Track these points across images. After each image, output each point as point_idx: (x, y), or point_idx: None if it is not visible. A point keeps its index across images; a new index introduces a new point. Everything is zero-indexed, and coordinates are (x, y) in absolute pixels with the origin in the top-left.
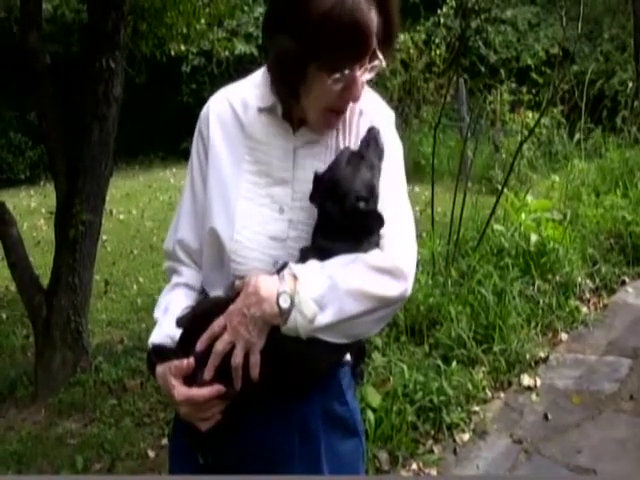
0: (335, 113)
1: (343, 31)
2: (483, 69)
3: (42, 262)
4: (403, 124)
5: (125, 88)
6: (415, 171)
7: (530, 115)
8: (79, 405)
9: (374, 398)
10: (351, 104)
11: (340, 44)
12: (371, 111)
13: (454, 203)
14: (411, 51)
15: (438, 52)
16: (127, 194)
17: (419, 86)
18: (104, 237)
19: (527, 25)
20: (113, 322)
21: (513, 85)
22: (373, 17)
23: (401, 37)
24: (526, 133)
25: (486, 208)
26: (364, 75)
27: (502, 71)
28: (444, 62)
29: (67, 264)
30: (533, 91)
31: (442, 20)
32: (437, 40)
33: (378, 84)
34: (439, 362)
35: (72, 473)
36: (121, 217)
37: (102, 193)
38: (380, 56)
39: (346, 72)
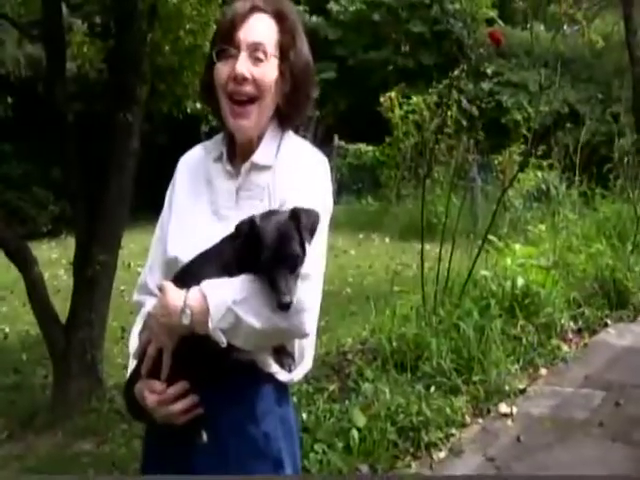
0: (234, 103)
1: (222, 20)
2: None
3: (62, 308)
4: (416, 183)
5: (146, 147)
6: (427, 230)
7: (532, 174)
8: (93, 429)
9: (359, 419)
10: (283, 159)
11: (220, 29)
12: (296, 160)
13: (441, 251)
14: (424, 113)
15: (450, 113)
16: (146, 248)
17: (431, 147)
18: (122, 287)
19: (538, 87)
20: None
21: (522, 146)
22: (257, 22)
23: (414, 99)
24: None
25: (483, 261)
26: (248, 61)
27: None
28: (456, 123)
29: (84, 301)
30: (540, 152)
31: (454, 83)
32: (449, 102)
33: (392, 145)
34: (421, 388)
35: None
36: (139, 269)
37: (118, 237)
38: (270, 54)
39: (225, 47)
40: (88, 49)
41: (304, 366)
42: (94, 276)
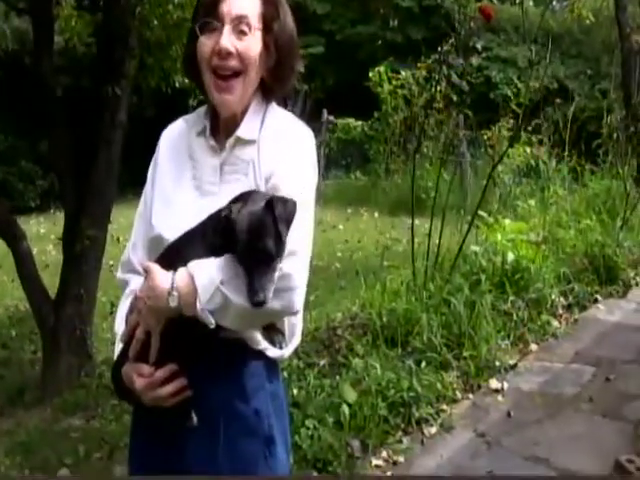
0: (218, 77)
1: None
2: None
3: (51, 283)
4: (405, 158)
5: (134, 121)
6: (417, 205)
7: (521, 149)
8: (82, 404)
9: (350, 394)
10: (268, 132)
11: (203, 2)
12: (281, 133)
13: (431, 226)
14: (413, 87)
15: (439, 88)
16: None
17: (420, 122)
18: (111, 262)
19: (527, 63)
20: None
21: (511, 121)
22: None
23: (402, 74)
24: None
25: (473, 236)
26: (232, 35)
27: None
28: (444, 98)
29: (73, 276)
30: (530, 128)
31: (443, 57)
32: (437, 77)
33: (381, 120)
34: (411, 364)
35: (74, 461)
36: (127, 244)
37: (107, 211)
38: (254, 27)
39: (208, 20)
40: (76, 23)
41: (294, 342)
42: (83, 251)
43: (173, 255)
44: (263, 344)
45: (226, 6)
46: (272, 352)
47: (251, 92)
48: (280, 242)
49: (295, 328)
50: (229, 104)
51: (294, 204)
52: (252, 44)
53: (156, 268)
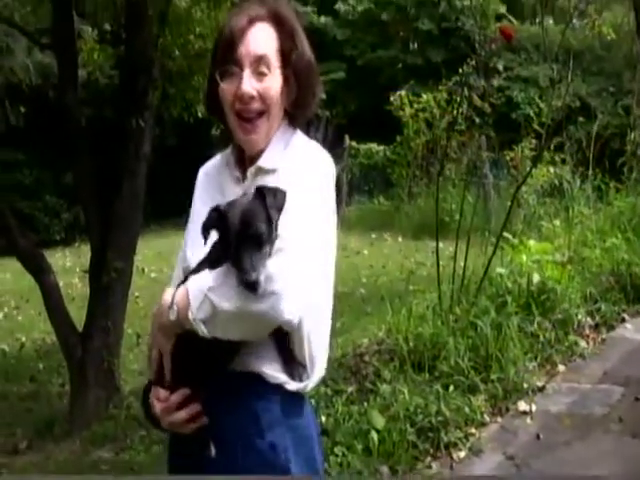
0: (242, 120)
1: (221, 37)
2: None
3: (77, 316)
4: (428, 182)
5: (157, 150)
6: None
7: (544, 169)
8: (111, 436)
9: (378, 421)
10: (290, 162)
11: (220, 47)
12: (298, 162)
13: (456, 249)
14: (434, 110)
15: (460, 110)
16: (159, 253)
17: (442, 145)
18: (136, 293)
19: (548, 81)
20: (144, 372)
21: (534, 141)
22: (256, 34)
23: (424, 97)
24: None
25: (498, 258)
26: (252, 78)
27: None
28: (466, 120)
29: (100, 309)
30: (553, 147)
31: (464, 79)
32: (459, 99)
33: (403, 144)
34: (439, 388)
35: None
36: (153, 275)
37: (133, 243)
38: (273, 66)
39: (228, 67)
40: (98, 56)
41: (316, 373)
42: (110, 283)
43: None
44: (282, 378)
45: (244, 47)
46: (292, 385)
47: (276, 126)
48: (271, 225)
49: (316, 360)
50: (255, 144)
51: (284, 193)
52: (273, 83)
53: (167, 289)
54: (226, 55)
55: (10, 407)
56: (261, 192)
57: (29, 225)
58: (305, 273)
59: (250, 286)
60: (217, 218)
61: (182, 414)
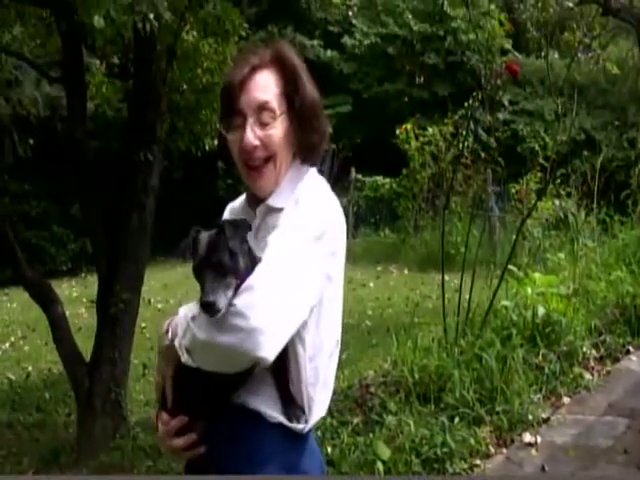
0: (249, 168)
1: (224, 89)
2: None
3: (84, 346)
4: (433, 215)
5: (163, 183)
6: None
7: (550, 202)
8: (118, 466)
9: (384, 451)
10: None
11: (222, 99)
12: (299, 200)
13: (461, 282)
14: (440, 143)
15: (466, 144)
16: (165, 285)
17: (448, 178)
18: (143, 324)
19: (554, 115)
20: (150, 402)
21: (539, 174)
22: (258, 81)
23: (429, 130)
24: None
25: (504, 290)
26: (255, 127)
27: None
28: (472, 153)
29: (108, 339)
30: (558, 180)
31: (470, 113)
32: (464, 132)
33: (409, 176)
34: (445, 420)
35: None
36: (159, 306)
37: (140, 275)
38: (277, 113)
39: (231, 119)
40: (107, 89)
41: (314, 416)
42: (117, 314)
43: None
44: (280, 418)
45: (245, 97)
46: (290, 426)
47: (284, 168)
48: (233, 256)
49: (312, 402)
50: (263, 189)
51: (245, 223)
52: (277, 129)
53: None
54: (229, 107)
55: (16, 436)
56: (221, 226)
57: (36, 255)
58: (281, 313)
59: (205, 307)
60: (192, 243)
61: (179, 441)
